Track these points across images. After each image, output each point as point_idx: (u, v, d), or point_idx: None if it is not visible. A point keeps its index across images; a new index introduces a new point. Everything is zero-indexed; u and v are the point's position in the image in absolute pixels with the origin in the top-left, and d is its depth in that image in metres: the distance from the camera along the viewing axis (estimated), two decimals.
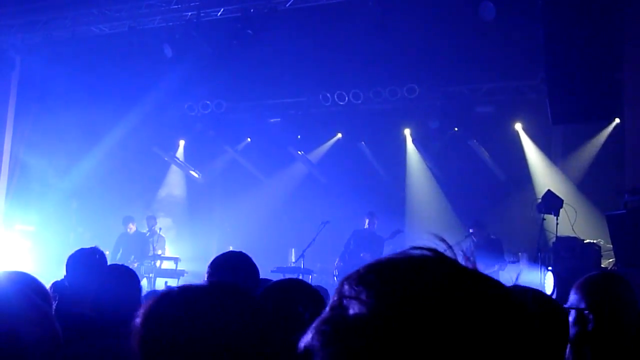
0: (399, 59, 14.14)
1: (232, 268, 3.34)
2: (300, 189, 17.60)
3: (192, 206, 18.30)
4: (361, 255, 12.80)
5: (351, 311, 0.98)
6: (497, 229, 13.01)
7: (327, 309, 1.04)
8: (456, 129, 15.61)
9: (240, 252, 3.46)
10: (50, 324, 1.43)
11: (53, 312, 2.80)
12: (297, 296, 2.74)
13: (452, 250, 1.07)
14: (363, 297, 0.98)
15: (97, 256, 4.79)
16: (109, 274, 4.14)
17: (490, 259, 11.22)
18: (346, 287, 1.02)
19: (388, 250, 13.50)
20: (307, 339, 1.02)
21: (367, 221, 13.41)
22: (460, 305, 0.96)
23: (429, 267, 1.01)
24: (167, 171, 18.60)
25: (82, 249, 4.84)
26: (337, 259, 13.39)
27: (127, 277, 4.04)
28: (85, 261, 4.67)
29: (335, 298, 1.03)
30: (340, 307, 1.01)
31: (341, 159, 16.77)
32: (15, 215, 15.32)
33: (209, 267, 3.34)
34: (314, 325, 1.02)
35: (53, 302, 4.34)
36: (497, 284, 1.03)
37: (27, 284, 2.98)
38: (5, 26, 14.65)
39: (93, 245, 5.08)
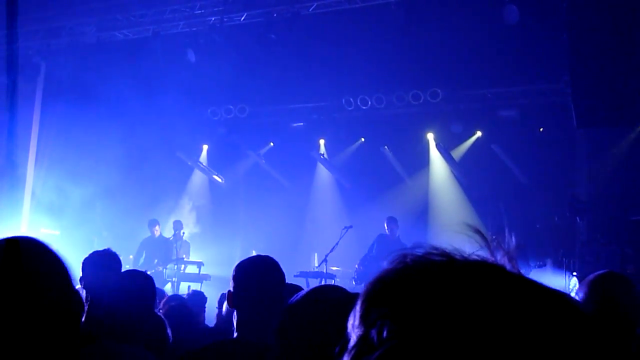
0: (422, 63, 14.10)
1: (258, 272, 3.31)
2: (323, 193, 17.60)
3: (215, 210, 18.34)
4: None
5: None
6: (521, 234, 12.90)
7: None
8: (480, 132, 15.54)
9: (267, 257, 3.42)
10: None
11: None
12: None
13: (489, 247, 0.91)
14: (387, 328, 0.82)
15: (110, 258, 4.79)
16: (123, 277, 4.14)
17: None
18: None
19: None
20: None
21: (386, 226, 13.37)
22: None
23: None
24: (190, 176, 18.67)
25: (95, 252, 4.86)
26: (358, 263, 13.33)
27: (142, 280, 4.04)
28: (98, 263, 4.68)
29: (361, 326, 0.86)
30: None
31: (364, 164, 16.74)
32: (40, 219, 15.41)
33: (234, 270, 3.32)
34: None
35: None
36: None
37: None
38: (30, 32, 14.78)
39: (114, 249, 5.09)
